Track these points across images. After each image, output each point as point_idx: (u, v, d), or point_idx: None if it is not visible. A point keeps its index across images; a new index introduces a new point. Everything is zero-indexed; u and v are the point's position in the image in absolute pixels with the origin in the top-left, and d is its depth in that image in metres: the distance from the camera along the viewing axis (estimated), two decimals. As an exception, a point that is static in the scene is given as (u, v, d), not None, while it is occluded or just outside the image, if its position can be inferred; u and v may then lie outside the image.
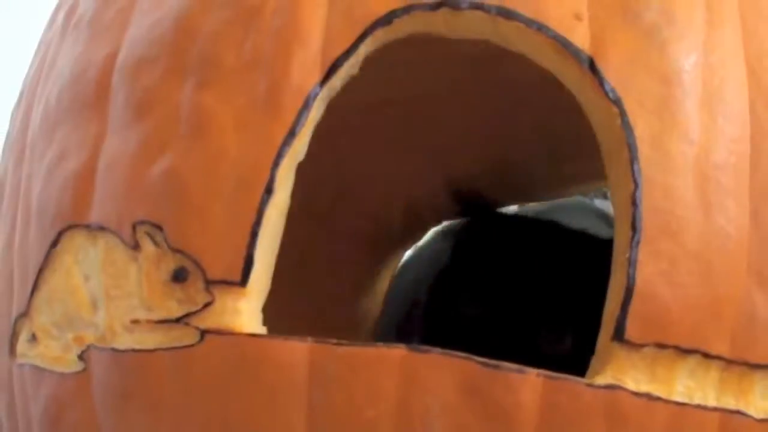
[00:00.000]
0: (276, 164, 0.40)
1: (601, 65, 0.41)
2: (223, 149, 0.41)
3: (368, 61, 0.42)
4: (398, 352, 0.39)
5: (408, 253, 0.66)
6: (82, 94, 0.44)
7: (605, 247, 0.44)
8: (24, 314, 0.44)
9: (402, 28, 0.42)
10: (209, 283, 0.40)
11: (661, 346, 0.39)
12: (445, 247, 0.60)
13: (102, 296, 0.42)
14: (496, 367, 0.39)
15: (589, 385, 0.39)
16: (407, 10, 0.41)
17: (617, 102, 0.40)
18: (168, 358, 0.40)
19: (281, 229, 0.41)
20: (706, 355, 0.40)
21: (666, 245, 0.39)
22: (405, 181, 0.63)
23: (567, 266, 0.54)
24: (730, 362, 0.40)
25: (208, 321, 0.40)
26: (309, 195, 0.50)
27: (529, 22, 0.41)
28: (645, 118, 0.40)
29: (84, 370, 0.42)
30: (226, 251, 0.40)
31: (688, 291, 0.39)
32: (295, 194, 0.41)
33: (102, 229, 0.42)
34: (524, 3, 0.41)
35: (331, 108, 0.42)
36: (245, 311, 0.40)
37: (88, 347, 0.42)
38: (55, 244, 0.43)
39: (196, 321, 0.40)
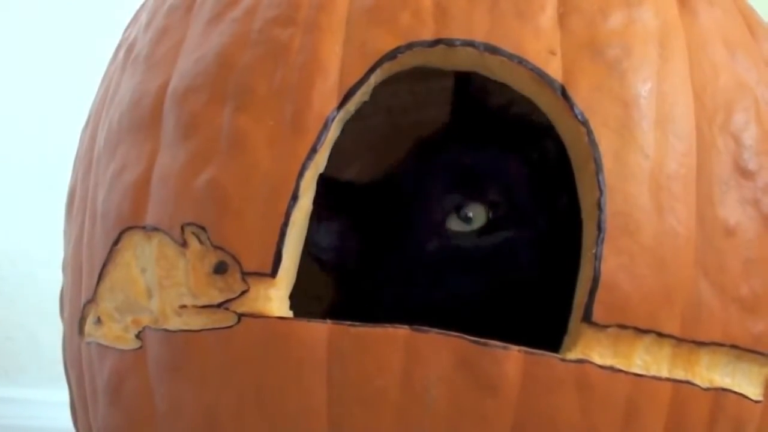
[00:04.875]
0: (300, 175, 0.41)
1: (571, 92, 0.41)
2: (257, 163, 0.41)
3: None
4: (403, 331, 0.39)
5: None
6: (139, 117, 0.45)
7: None
8: (91, 300, 0.45)
9: (405, 61, 0.42)
10: (245, 275, 0.41)
11: (622, 326, 0.40)
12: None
13: (156, 286, 0.43)
14: (484, 344, 0.39)
15: (562, 360, 0.40)
16: (409, 46, 0.42)
17: (585, 123, 0.41)
18: (211, 337, 0.41)
19: (305, 229, 0.42)
20: (660, 334, 0.41)
21: (626, 243, 0.40)
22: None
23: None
24: (680, 340, 0.41)
25: (244, 306, 0.41)
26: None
27: (511, 57, 0.42)
28: (608, 136, 0.41)
29: (141, 347, 0.43)
30: (259, 248, 0.40)
31: (645, 281, 0.40)
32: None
33: (156, 229, 0.43)
34: (507, 40, 0.42)
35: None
36: (275, 298, 0.41)
37: (144, 328, 0.43)
38: (116, 242, 0.44)
39: (234, 306, 0.41)
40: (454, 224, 0.46)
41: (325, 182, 0.42)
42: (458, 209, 0.46)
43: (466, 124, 0.50)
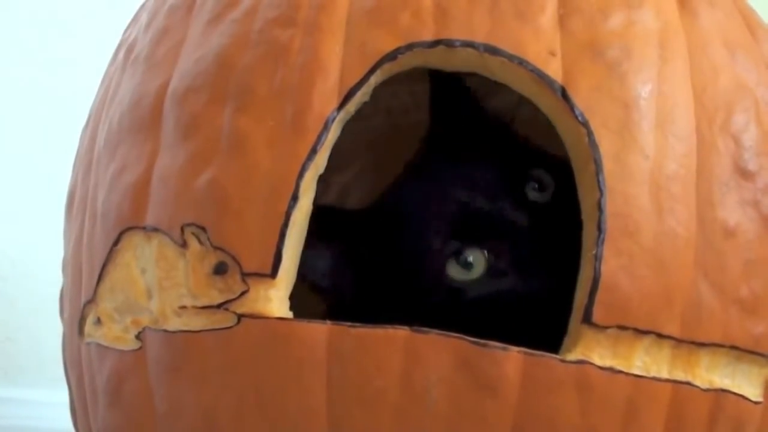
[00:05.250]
0: (300, 176, 0.41)
1: (571, 93, 0.41)
2: (257, 164, 0.41)
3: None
4: (402, 332, 0.39)
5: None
6: (139, 118, 0.45)
7: None
8: (91, 301, 0.45)
9: (405, 62, 0.42)
10: (245, 275, 0.40)
11: (622, 327, 0.40)
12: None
13: (155, 286, 0.42)
14: (484, 345, 0.39)
15: (562, 361, 0.40)
16: (410, 47, 0.42)
17: (585, 124, 0.41)
18: (211, 337, 0.41)
19: (305, 229, 0.42)
20: (660, 335, 0.41)
21: (626, 244, 0.40)
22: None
23: None
24: (680, 341, 0.41)
25: (244, 307, 0.40)
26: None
27: (512, 58, 0.42)
28: (608, 137, 0.41)
29: (140, 348, 0.43)
30: (259, 248, 0.40)
31: (645, 282, 0.40)
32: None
33: (156, 230, 0.42)
34: (507, 41, 0.42)
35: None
36: (275, 298, 0.41)
37: (144, 329, 0.43)
38: (116, 243, 0.44)
39: (234, 307, 0.41)
40: (454, 271, 0.46)
41: (316, 210, 0.42)
42: (457, 254, 0.45)
43: (448, 129, 0.50)
